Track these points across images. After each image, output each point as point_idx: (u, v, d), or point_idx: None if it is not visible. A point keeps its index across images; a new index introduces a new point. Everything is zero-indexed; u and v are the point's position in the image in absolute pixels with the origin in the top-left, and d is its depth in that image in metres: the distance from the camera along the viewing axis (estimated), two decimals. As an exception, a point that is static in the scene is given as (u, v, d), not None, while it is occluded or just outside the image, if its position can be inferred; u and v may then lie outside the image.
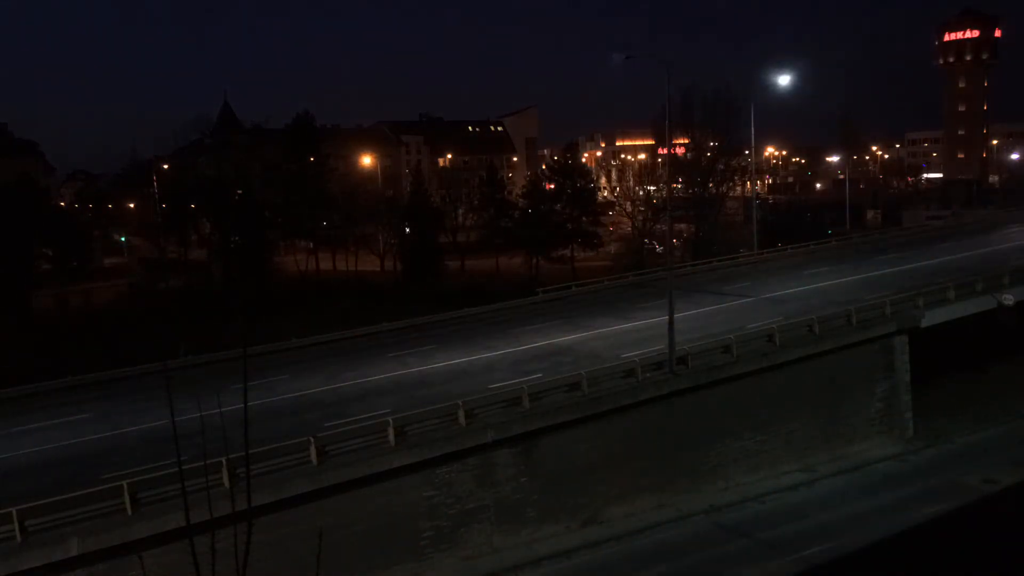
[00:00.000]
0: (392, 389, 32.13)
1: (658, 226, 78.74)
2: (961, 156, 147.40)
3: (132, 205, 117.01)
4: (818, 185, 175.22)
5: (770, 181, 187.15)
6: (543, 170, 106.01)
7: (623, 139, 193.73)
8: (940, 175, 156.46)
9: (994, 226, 69.62)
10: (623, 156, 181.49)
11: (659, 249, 75.60)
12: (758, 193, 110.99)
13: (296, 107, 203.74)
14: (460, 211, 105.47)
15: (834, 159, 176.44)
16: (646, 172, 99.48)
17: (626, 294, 49.60)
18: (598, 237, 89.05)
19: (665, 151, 59.99)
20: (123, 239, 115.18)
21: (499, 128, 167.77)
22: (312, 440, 24.90)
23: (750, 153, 75.63)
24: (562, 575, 27.14)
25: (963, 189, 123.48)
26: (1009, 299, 40.68)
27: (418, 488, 26.97)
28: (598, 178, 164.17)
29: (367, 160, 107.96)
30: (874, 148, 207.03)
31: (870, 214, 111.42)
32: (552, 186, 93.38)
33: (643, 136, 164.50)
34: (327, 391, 32.56)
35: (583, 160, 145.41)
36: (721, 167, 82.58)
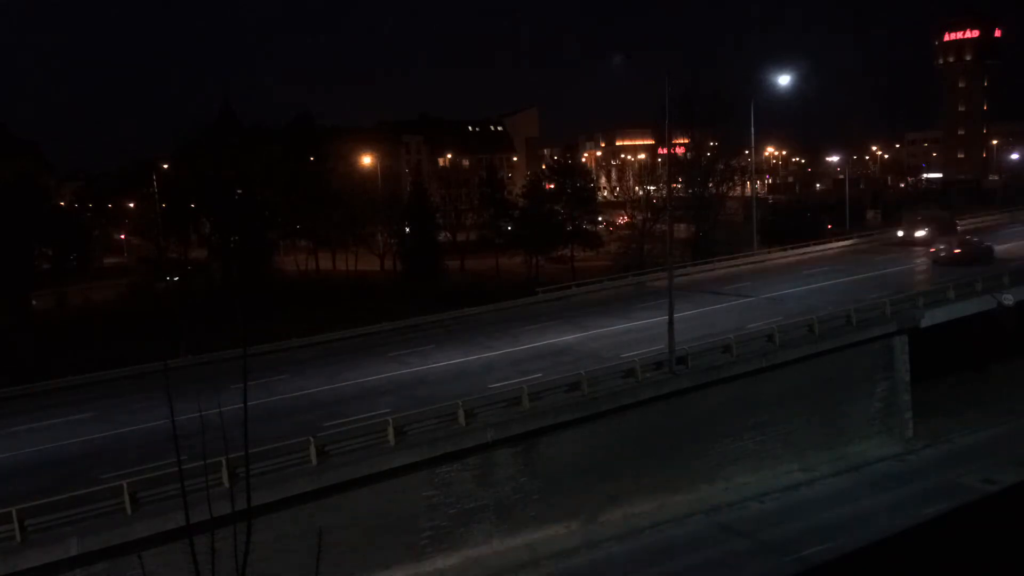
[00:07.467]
0: (392, 389, 32.12)
1: (658, 226, 78.65)
2: (961, 156, 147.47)
3: (132, 205, 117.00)
4: (818, 185, 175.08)
5: (770, 181, 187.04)
6: (543, 170, 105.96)
7: (623, 139, 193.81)
8: (940, 175, 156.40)
9: (993, 226, 69.63)
10: (623, 156, 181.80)
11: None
12: (758, 193, 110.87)
13: (296, 107, 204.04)
14: (460, 211, 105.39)
15: (834, 159, 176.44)
16: (646, 172, 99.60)
17: (626, 294, 49.64)
18: (598, 237, 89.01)
19: (665, 151, 59.97)
20: (123, 239, 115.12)
21: (499, 128, 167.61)
22: (312, 440, 24.90)
23: (750, 153, 75.62)
24: (562, 575, 27.14)
25: (963, 189, 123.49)
26: (1009, 299, 40.70)
27: (418, 488, 26.97)
28: (598, 178, 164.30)
29: (367, 160, 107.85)
30: (874, 148, 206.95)
31: (870, 214, 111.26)
32: (552, 186, 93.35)
33: (643, 136, 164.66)
34: (327, 391, 32.56)
35: (583, 160, 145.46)
36: (721, 167, 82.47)
